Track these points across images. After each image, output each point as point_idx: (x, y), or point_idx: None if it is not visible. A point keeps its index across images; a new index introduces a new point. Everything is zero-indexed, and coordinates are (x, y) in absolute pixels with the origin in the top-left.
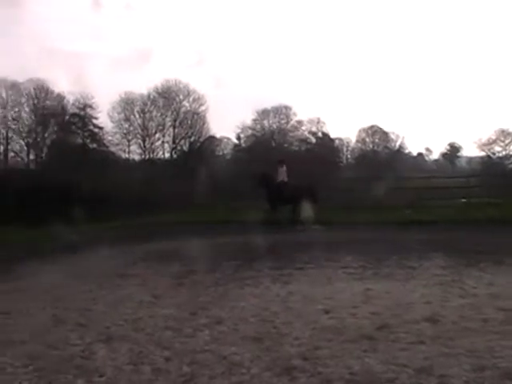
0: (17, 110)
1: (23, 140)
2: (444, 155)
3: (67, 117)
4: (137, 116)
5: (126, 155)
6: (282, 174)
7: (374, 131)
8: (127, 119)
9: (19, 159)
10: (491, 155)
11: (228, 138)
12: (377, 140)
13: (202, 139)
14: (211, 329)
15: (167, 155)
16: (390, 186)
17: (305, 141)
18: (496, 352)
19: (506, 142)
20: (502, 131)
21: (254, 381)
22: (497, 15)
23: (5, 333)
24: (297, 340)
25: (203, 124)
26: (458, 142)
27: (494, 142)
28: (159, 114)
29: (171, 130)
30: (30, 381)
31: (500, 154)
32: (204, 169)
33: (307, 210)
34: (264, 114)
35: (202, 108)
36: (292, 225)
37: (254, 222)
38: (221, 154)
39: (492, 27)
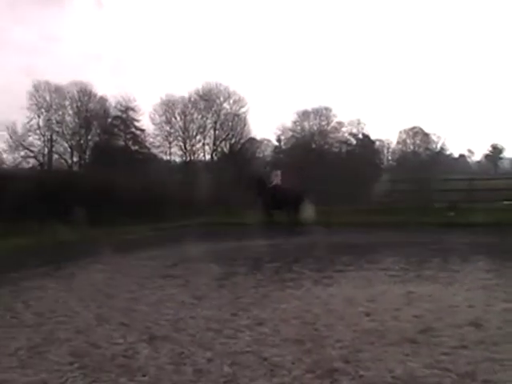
0: (60, 113)
1: (67, 142)
2: (486, 156)
3: (110, 119)
4: (178, 118)
5: (167, 157)
6: (276, 178)
7: (415, 132)
8: (168, 121)
9: (63, 161)
10: None
11: (268, 140)
12: (418, 141)
13: (242, 141)
14: (252, 330)
15: (208, 157)
16: (431, 188)
17: (345, 142)
18: None
19: None
20: None
21: (296, 383)
22: None
23: (50, 330)
24: (338, 342)
25: (244, 126)
26: (501, 143)
27: None
28: (200, 116)
29: (212, 131)
30: (74, 378)
31: None
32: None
33: (306, 211)
34: (304, 115)
35: (243, 110)
36: (289, 227)
37: (286, 224)
38: (261, 155)
39: None
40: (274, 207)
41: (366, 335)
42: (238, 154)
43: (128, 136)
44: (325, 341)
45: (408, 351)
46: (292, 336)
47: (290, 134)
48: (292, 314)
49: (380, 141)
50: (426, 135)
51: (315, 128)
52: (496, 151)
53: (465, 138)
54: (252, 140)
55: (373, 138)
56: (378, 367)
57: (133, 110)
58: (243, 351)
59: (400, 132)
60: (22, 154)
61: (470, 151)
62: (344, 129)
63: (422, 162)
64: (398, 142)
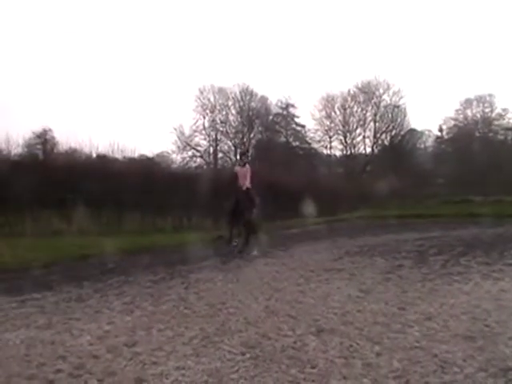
0: (224, 113)
1: (230, 141)
2: None
3: (271, 117)
4: (337, 112)
5: (328, 151)
6: (242, 177)
7: None
8: (328, 116)
9: (227, 159)
10: None
11: (429, 131)
12: None
13: (402, 132)
14: (421, 325)
15: (368, 150)
16: None
17: (511, 129)
18: None
19: None
20: None
21: (468, 381)
22: None
23: (222, 322)
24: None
25: (404, 117)
26: None
27: None
28: (360, 109)
29: (372, 124)
30: (246, 368)
31: None
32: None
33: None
34: (467, 103)
35: (402, 101)
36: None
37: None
38: (422, 146)
39: None
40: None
41: None
42: (399, 146)
43: (289, 132)
44: (497, 338)
45: None
46: (462, 332)
47: (452, 123)
48: (461, 310)
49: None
50: None
51: (478, 116)
52: None
53: None
54: (412, 131)
55: None
56: None
57: (293, 106)
58: (412, 346)
59: None
60: (190, 153)
61: None
62: (510, 115)
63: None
64: None
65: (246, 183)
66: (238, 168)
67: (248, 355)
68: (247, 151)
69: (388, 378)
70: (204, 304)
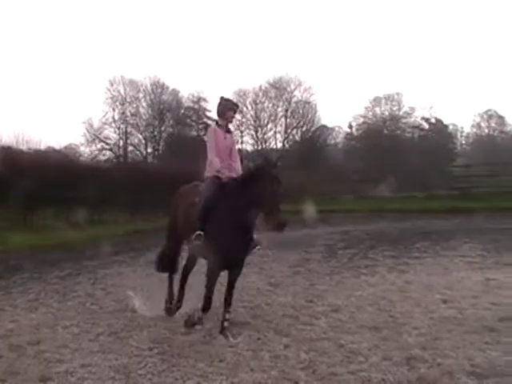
0: (135, 105)
1: (141, 134)
2: None
3: (182, 110)
4: (249, 107)
5: (239, 146)
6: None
7: (490, 115)
8: (240, 111)
9: (137, 152)
10: None
11: (339, 127)
12: (493, 124)
13: (313, 128)
14: (328, 317)
15: (279, 145)
16: (508, 173)
17: (417, 127)
18: None
19: None
20: None
21: (373, 369)
22: None
23: (130, 318)
24: (415, 330)
25: (315, 113)
26: None
27: None
28: (271, 105)
29: (283, 120)
30: (154, 363)
31: None
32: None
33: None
34: (376, 101)
35: (313, 97)
36: None
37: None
38: (333, 142)
39: None
40: None
41: (443, 323)
42: (310, 142)
43: (200, 126)
44: (401, 328)
45: (488, 339)
46: (368, 323)
47: (362, 120)
48: (367, 301)
49: (453, 125)
50: (501, 118)
51: (387, 113)
52: None
53: None
54: (323, 127)
55: (446, 122)
56: (457, 355)
57: (205, 100)
58: (320, 338)
59: (474, 115)
60: (99, 146)
61: None
62: (416, 113)
63: (497, 146)
64: (473, 126)
65: (237, 167)
66: (217, 131)
67: (156, 350)
68: (235, 105)
69: (296, 368)
70: (111, 300)
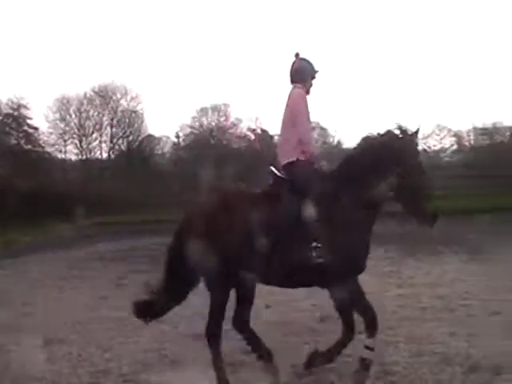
0: None
1: None
2: None
3: (0, 117)
4: (73, 116)
5: (62, 155)
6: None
7: (313, 127)
8: (63, 119)
9: None
10: (427, 149)
11: (167, 137)
12: (316, 136)
13: (140, 138)
14: (152, 328)
15: (105, 155)
16: None
17: (244, 138)
18: (433, 338)
19: (442, 135)
20: (438, 125)
21: (200, 376)
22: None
23: None
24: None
25: (141, 122)
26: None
27: (430, 136)
28: (96, 113)
29: (109, 129)
30: None
31: (435, 148)
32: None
33: None
34: (203, 111)
35: (140, 106)
36: None
37: None
38: (160, 152)
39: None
40: None
41: (267, 327)
42: (137, 152)
43: (21, 135)
44: (226, 334)
45: (307, 339)
46: (192, 331)
47: (189, 130)
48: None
49: (279, 136)
50: (324, 130)
51: (213, 124)
52: None
53: (360, 132)
54: (150, 137)
55: (272, 133)
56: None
57: (25, 107)
58: (141, 349)
59: None
60: None
61: None
62: (242, 124)
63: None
64: None
65: (310, 149)
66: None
67: None
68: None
69: (118, 382)
70: None
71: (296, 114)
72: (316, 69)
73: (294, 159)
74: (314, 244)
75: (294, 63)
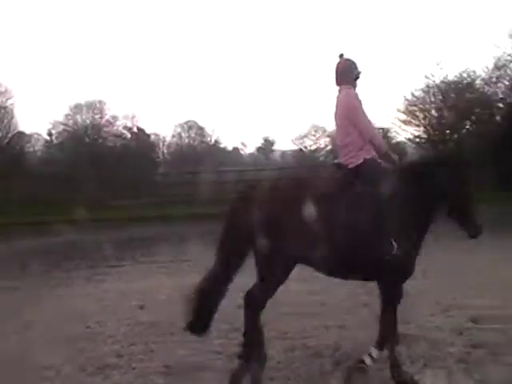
0: None
1: None
2: (259, 149)
3: None
4: None
5: None
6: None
7: (190, 126)
8: None
9: None
10: (303, 148)
11: (39, 134)
12: (193, 135)
13: (10, 135)
14: (19, 334)
15: None
16: (207, 180)
17: (120, 136)
18: (307, 332)
19: (317, 135)
20: (314, 126)
21: (67, 382)
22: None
23: None
24: (111, 338)
25: (11, 118)
26: (272, 136)
27: (306, 136)
28: None
29: None
30: None
31: (311, 148)
32: None
33: None
34: (77, 108)
35: (10, 102)
36: None
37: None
38: (32, 150)
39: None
40: None
41: (139, 328)
42: (7, 149)
43: None
44: (98, 337)
45: (176, 339)
46: (64, 336)
47: (62, 127)
48: (64, 314)
49: (156, 134)
50: (201, 129)
51: (88, 122)
52: (268, 144)
53: (239, 132)
54: (20, 134)
55: (148, 131)
56: (151, 358)
57: None
58: (7, 359)
59: (175, 125)
60: None
61: (243, 144)
62: (118, 122)
63: (198, 155)
64: (173, 136)
65: (379, 143)
66: (351, 92)
67: None
68: None
69: None
70: None
71: (354, 113)
72: (359, 69)
73: (362, 160)
74: (392, 241)
75: (338, 64)
